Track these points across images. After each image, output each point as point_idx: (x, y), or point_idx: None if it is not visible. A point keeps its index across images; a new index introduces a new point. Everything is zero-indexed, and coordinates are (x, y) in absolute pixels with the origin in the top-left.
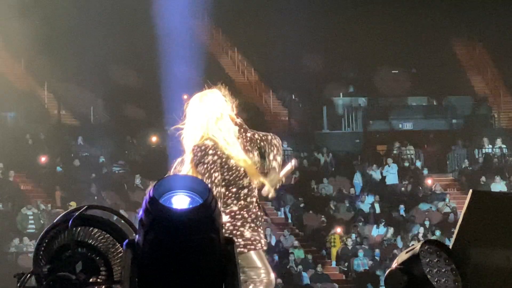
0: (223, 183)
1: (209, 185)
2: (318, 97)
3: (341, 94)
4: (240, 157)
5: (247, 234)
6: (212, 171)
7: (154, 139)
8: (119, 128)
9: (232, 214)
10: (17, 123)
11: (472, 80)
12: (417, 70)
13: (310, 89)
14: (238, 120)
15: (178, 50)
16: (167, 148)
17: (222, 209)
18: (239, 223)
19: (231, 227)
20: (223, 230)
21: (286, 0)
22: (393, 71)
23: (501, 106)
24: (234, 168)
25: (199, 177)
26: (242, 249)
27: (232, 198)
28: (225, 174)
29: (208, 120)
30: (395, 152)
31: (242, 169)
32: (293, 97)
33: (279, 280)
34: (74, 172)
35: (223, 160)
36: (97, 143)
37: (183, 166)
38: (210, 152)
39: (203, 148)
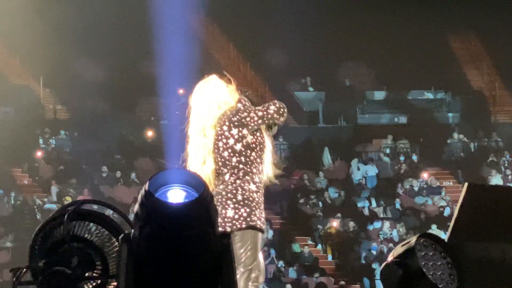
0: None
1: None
2: (313, 91)
3: (337, 87)
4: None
5: (263, 213)
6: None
7: (150, 133)
8: (115, 123)
9: (257, 185)
10: (13, 118)
11: (468, 74)
12: (413, 63)
13: (305, 83)
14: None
15: (174, 45)
16: (163, 142)
17: (248, 178)
18: (261, 198)
19: (257, 198)
20: (251, 199)
21: None
22: (388, 65)
23: (496, 99)
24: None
25: (247, 120)
26: (261, 224)
27: (257, 168)
28: (259, 137)
29: (217, 106)
30: (390, 145)
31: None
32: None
33: (276, 274)
34: (70, 167)
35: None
36: (93, 137)
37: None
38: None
39: (246, 99)
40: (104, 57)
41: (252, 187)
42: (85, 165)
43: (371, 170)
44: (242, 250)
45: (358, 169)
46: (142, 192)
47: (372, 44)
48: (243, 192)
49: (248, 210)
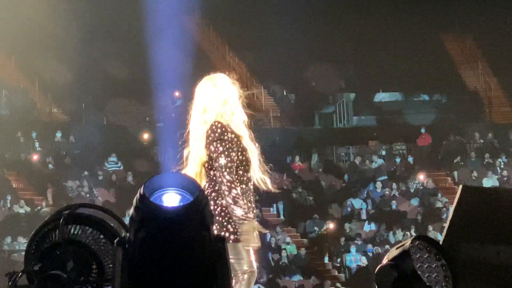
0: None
1: (226, 163)
2: (309, 93)
3: (332, 90)
4: (248, 142)
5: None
6: (230, 149)
7: (145, 136)
8: (111, 125)
9: (234, 198)
10: (8, 121)
11: (463, 75)
12: (408, 65)
13: (301, 85)
14: (213, 127)
15: (169, 46)
16: (159, 145)
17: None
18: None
19: (230, 213)
20: (223, 214)
21: None
22: (384, 67)
23: (492, 100)
24: (244, 150)
25: (213, 155)
26: (238, 237)
27: (237, 181)
28: (239, 154)
29: (220, 103)
30: (386, 147)
31: (248, 153)
32: (285, 93)
33: (272, 276)
34: (66, 170)
35: (238, 139)
36: (88, 140)
37: (191, 147)
38: (229, 129)
39: (223, 125)
40: (99, 59)
41: (227, 200)
42: (80, 168)
43: (368, 172)
44: (233, 261)
45: (356, 171)
46: (137, 195)
47: (367, 46)
48: (215, 207)
49: (218, 226)
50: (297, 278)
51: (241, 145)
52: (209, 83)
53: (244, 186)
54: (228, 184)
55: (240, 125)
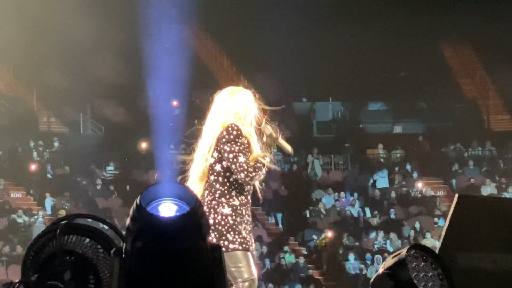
0: None
1: (235, 166)
2: (307, 101)
3: (330, 98)
4: (257, 151)
5: (244, 233)
6: (243, 152)
7: (143, 145)
8: (109, 135)
9: (234, 208)
10: (6, 131)
11: (461, 83)
12: (406, 73)
13: (299, 93)
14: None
15: (167, 55)
16: (156, 154)
17: (224, 200)
18: (238, 219)
19: (231, 221)
20: (223, 223)
21: (275, 4)
22: (382, 75)
23: (490, 108)
24: (250, 158)
25: (228, 155)
26: (237, 246)
27: (237, 190)
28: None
29: (234, 115)
30: (385, 155)
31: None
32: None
33: (271, 285)
34: (64, 179)
35: (249, 147)
36: (87, 150)
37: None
38: (244, 134)
39: (239, 128)
40: (97, 69)
41: (227, 210)
42: (79, 178)
43: (366, 180)
44: (233, 269)
45: (354, 179)
46: (134, 206)
47: (364, 54)
48: (215, 216)
49: (217, 235)
50: (296, 286)
51: (249, 152)
52: (226, 93)
53: (244, 198)
54: (253, 172)
55: (252, 134)
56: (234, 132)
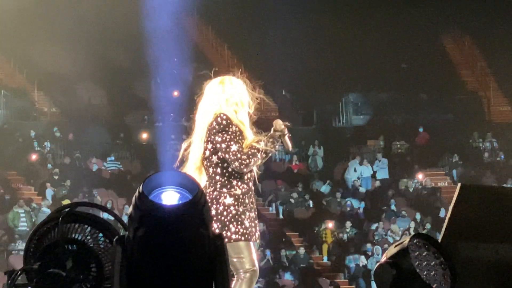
0: None
1: (229, 155)
2: (308, 92)
3: (331, 89)
4: (250, 137)
5: (246, 223)
6: (235, 140)
7: (144, 136)
8: (110, 125)
9: (236, 197)
10: (8, 121)
11: (462, 75)
12: (407, 65)
13: (300, 85)
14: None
15: (168, 46)
16: (157, 145)
17: (226, 190)
18: (241, 209)
19: (233, 211)
20: (226, 213)
21: None
22: (383, 66)
23: (491, 100)
24: (244, 145)
25: (220, 145)
26: (239, 237)
27: (238, 179)
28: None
29: (226, 102)
30: (385, 147)
31: None
32: (283, 93)
33: (272, 276)
34: (65, 170)
35: (242, 134)
36: (87, 140)
37: (193, 138)
38: (234, 123)
39: (228, 117)
40: (98, 60)
41: (228, 200)
42: (80, 168)
43: (366, 171)
44: (235, 259)
45: (355, 170)
46: (136, 194)
47: (366, 47)
48: (217, 206)
49: (220, 225)
50: (296, 277)
51: (243, 140)
52: (216, 81)
53: (245, 186)
54: (246, 159)
55: (245, 122)
56: (224, 122)
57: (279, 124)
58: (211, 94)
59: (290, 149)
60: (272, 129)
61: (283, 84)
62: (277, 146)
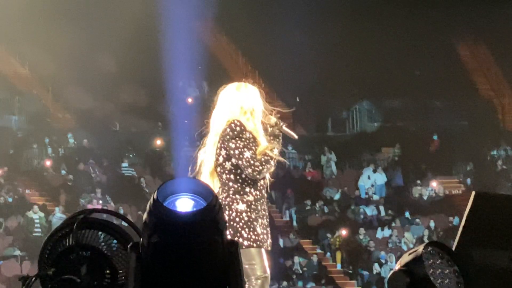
0: None
1: (242, 162)
2: (322, 99)
3: (345, 96)
4: (263, 144)
5: (258, 229)
6: (248, 147)
7: (158, 142)
8: (123, 131)
9: (249, 203)
10: (22, 127)
11: (477, 82)
12: (421, 71)
13: (314, 92)
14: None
15: (182, 52)
16: (171, 151)
17: (239, 196)
18: (253, 216)
19: (246, 218)
20: (238, 220)
21: (291, 2)
22: (397, 73)
23: (505, 107)
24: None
25: (233, 151)
26: (251, 244)
27: (251, 186)
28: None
29: (240, 109)
30: (400, 154)
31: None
32: (297, 100)
33: (285, 283)
34: (79, 176)
35: (255, 141)
36: (101, 146)
37: (207, 145)
38: (247, 129)
39: (242, 124)
40: (112, 66)
41: (241, 206)
42: (93, 174)
43: (380, 179)
44: (246, 266)
45: (369, 178)
46: (151, 201)
47: (379, 53)
48: (230, 212)
49: (232, 232)
50: (310, 285)
51: (256, 147)
52: (232, 88)
53: (258, 192)
54: (260, 166)
55: (259, 130)
56: (238, 128)
57: (272, 119)
58: (225, 101)
59: (296, 137)
60: (268, 127)
61: (297, 91)
62: (280, 142)
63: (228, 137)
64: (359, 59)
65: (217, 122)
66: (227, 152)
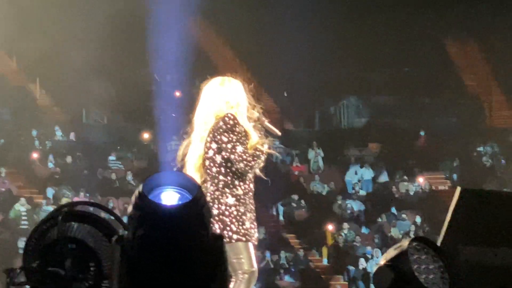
0: None
1: (234, 156)
2: (310, 94)
3: (332, 91)
4: (255, 139)
5: (247, 223)
6: (240, 141)
7: (145, 135)
8: (111, 125)
9: (238, 197)
10: (9, 119)
11: (465, 79)
12: (410, 68)
13: (301, 87)
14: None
15: (170, 46)
16: (158, 144)
17: (228, 190)
18: (242, 210)
19: (235, 212)
20: (227, 213)
21: None
22: (385, 70)
23: (492, 104)
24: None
25: (226, 145)
26: (241, 237)
27: (240, 179)
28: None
29: (225, 104)
30: (387, 149)
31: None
32: (285, 94)
33: (271, 278)
34: (66, 168)
35: (246, 136)
36: (89, 139)
37: (192, 138)
38: (240, 123)
39: (235, 117)
40: (100, 59)
41: (230, 200)
42: (81, 167)
43: (367, 174)
44: (234, 260)
45: (356, 173)
46: (136, 193)
47: (368, 49)
48: (219, 205)
49: (221, 225)
50: (295, 279)
51: (247, 141)
52: (216, 82)
53: (246, 186)
54: (252, 161)
55: (246, 124)
56: (231, 122)
57: (254, 114)
58: (210, 96)
59: (279, 133)
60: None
61: (284, 85)
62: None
63: (221, 130)
64: (348, 55)
65: (203, 117)
66: (219, 146)
